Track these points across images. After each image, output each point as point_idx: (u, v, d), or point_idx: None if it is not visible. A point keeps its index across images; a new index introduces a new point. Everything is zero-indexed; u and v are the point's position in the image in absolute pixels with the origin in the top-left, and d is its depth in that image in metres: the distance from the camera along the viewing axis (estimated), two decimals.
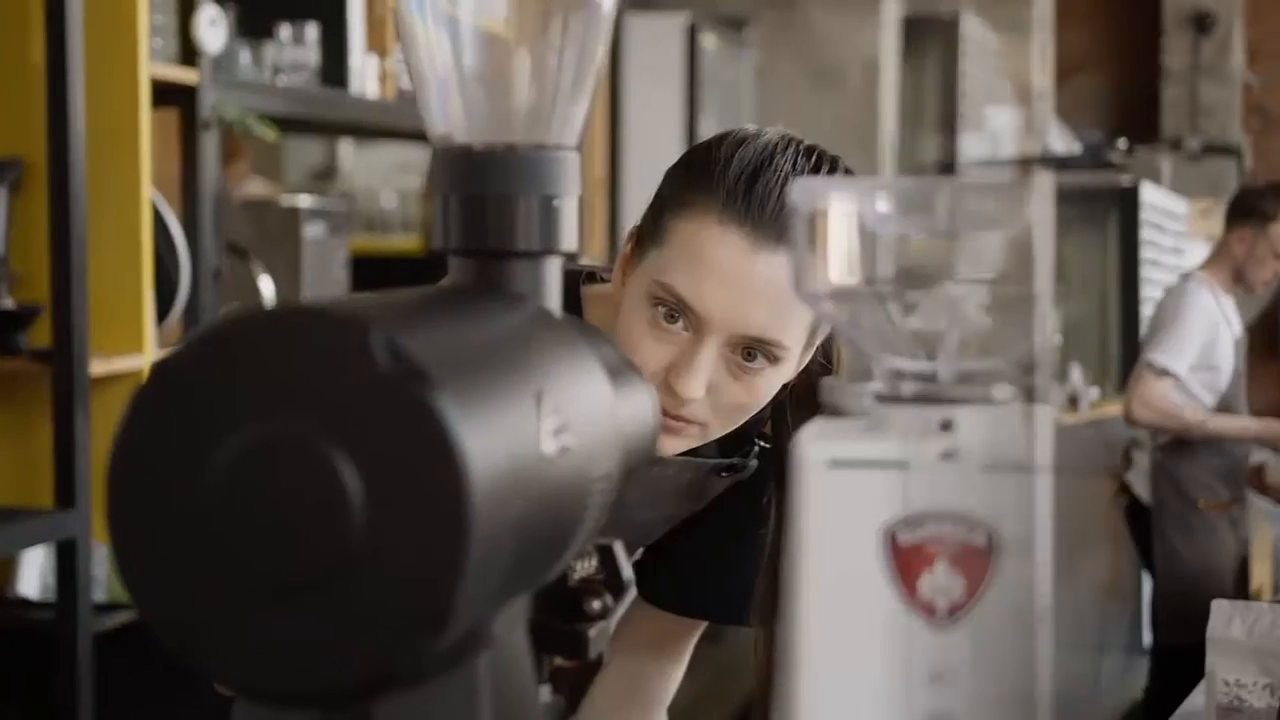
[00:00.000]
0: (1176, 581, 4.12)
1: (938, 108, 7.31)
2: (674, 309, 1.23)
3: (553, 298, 0.82)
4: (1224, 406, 4.17)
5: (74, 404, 2.29)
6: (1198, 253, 8.41)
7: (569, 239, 0.83)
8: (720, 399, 1.24)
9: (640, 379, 0.89)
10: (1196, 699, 2.11)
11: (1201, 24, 9.09)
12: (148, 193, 2.48)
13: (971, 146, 5.29)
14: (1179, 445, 4.21)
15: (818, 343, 1.31)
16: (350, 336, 0.61)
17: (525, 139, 0.83)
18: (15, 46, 2.44)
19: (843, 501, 0.68)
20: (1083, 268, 6.33)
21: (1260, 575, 7.02)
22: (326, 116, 3.06)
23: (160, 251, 2.55)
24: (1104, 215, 6.90)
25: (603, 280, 1.42)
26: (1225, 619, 2.03)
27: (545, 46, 0.84)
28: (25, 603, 2.65)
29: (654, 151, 3.92)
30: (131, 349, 2.47)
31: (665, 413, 1.24)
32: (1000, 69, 8.19)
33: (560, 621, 0.84)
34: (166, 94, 2.62)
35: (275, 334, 0.62)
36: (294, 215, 3.04)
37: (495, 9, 0.84)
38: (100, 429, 2.35)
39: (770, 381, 1.25)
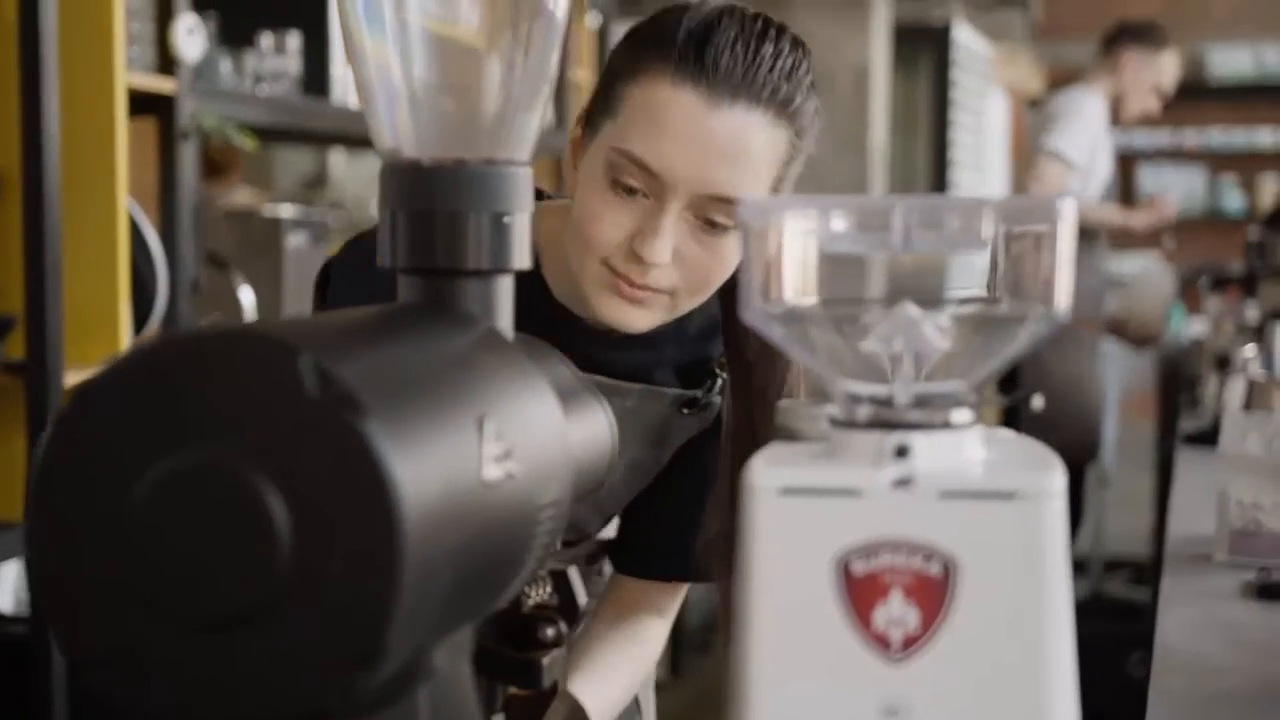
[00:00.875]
0: (1044, 397, 4.05)
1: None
2: (632, 178, 1.22)
3: (504, 317, 0.80)
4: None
5: (48, 417, 2.27)
6: (998, 100, 8.56)
7: (521, 256, 0.81)
8: (687, 265, 1.24)
9: (597, 400, 0.86)
10: (1204, 524, 1.93)
11: None
12: (124, 202, 2.45)
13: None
14: None
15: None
16: (278, 360, 0.59)
17: (475, 154, 0.81)
18: None
19: (795, 530, 0.66)
20: (894, 105, 6.34)
21: None
22: (308, 126, 3.04)
23: (137, 262, 2.52)
24: (915, 53, 6.97)
25: (545, 196, 1.42)
26: (1239, 433, 1.86)
27: (496, 57, 0.82)
28: (0, 617, 2.62)
29: None
30: (107, 360, 2.44)
31: (631, 282, 1.23)
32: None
33: (513, 650, 0.82)
34: (144, 103, 2.59)
35: (202, 357, 0.60)
36: (276, 225, 3.01)
37: (445, 18, 0.82)
38: None
39: (735, 246, 1.24)
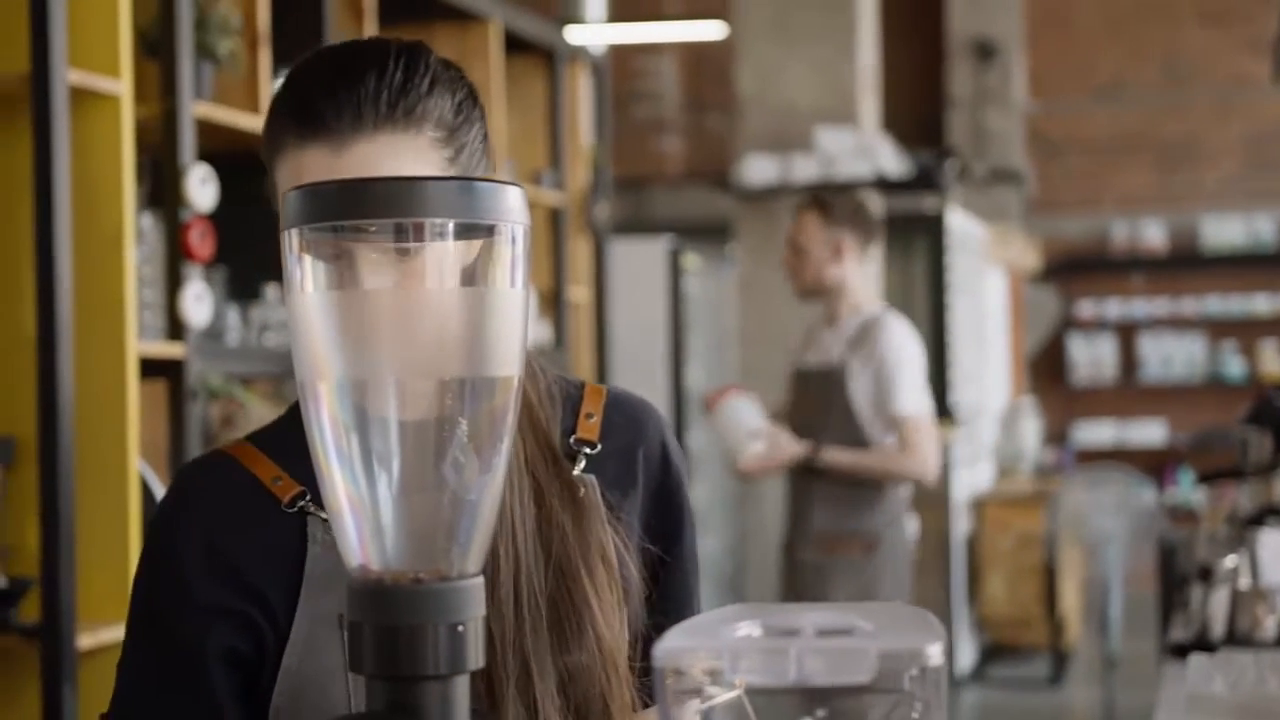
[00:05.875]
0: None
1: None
2: None
3: (459, 713, 0.90)
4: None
5: (62, 681, 2.35)
6: (996, 277, 8.69)
7: (476, 657, 0.91)
8: None
9: None
10: None
11: (984, 52, 9.40)
12: (135, 465, 2.56)
13: (806, 168, 5.26)
14: (796, 479, 4.00)
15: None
16: None
17: (433, 567, 0.92)
18: (7, 324, 2.55)
19: None
20: (891, 294, 6.40)
21: (1068, 604, 7.12)
22: None
23: (148, 520, 2.63)
24: (909, 241, 7.09)
25: None
26: (1206, 674, 1.90)
27: (447, 488, 0.92)
28: None
29: (641, 370, 4.02)
30: (119, 619, 2.52)
31: None
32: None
33: None
34: (154, 367, 2.72)
35: None
36: None
37: (406, 454, 0.92)
38: (88, 704, 2.40)
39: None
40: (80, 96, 2.56)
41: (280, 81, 1.28)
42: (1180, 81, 9.84)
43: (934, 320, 7.43)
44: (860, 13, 5.62)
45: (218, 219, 2.85)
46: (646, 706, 1.27)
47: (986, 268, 8.40)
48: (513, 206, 0.92)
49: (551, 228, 4.42)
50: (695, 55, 9.51)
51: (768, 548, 4.24)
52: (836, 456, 3.88)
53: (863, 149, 5.37)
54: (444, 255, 0.90)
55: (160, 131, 2.80)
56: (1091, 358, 10.07)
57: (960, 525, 7.15)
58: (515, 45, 4.24)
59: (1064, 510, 6.73)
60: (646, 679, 1.26)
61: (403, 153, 1.21)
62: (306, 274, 0.91)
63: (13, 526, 2.51)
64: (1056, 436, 9.84)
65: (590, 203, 4.64)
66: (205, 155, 2.87)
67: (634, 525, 1.33)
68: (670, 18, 7.72)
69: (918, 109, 9.45)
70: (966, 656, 6.88)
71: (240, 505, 1.28)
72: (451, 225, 0.90)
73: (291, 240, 0.90)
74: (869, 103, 5.69)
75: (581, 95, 4.72)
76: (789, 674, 0.78)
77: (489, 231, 0.91)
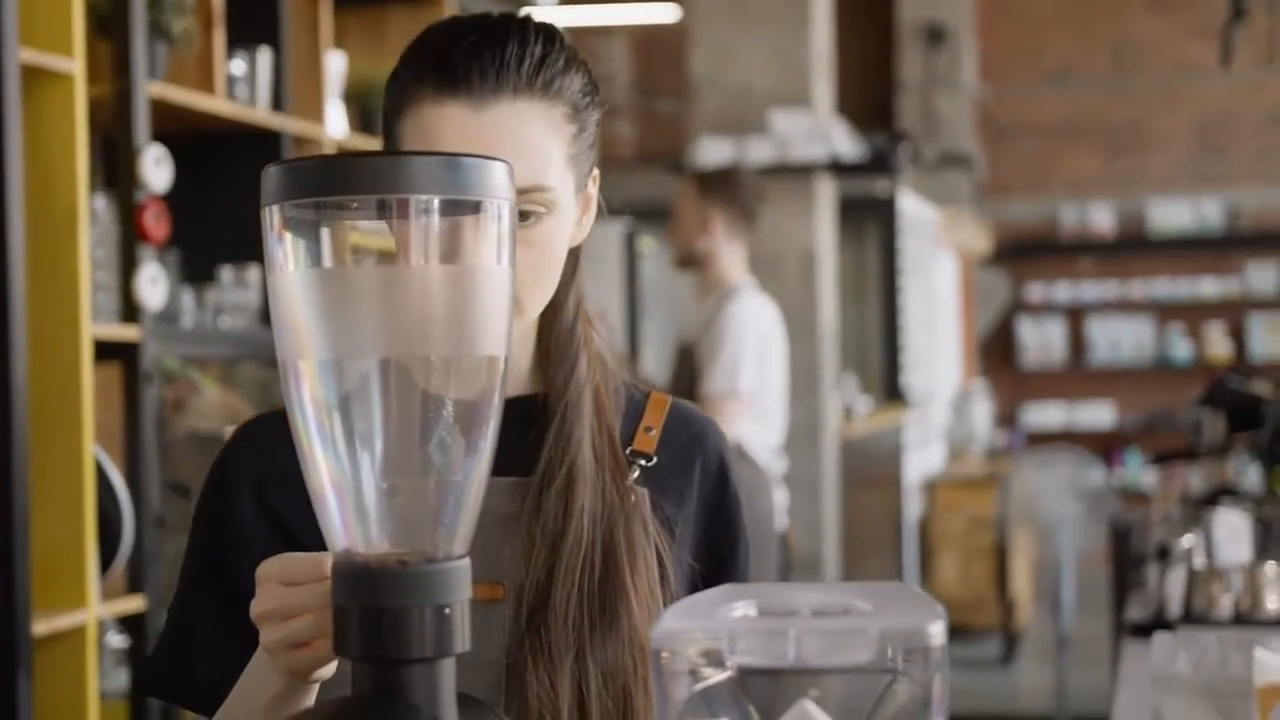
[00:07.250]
0: None
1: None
2: None
3: (446, 696, 0.88)
4: None
5: (17, 668, 2.32)
6: (947, 261, 8.76)
7: (462, 640, 0.89)
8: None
9: None
10: None
11: (934, 36, 9.46)
12: (90, 450, 2.53)
13: (761, 150, 5.29)
14: None
15: (593, 186, 1.31)
16: None
17: (419, 549, 0.90)
18: None
19: None
20: (844, 277, 6.43)
21: (1019, 585, 7.21)
22: (269, 356, 3.13)
23: (103, 504, 2.59)
24: (861, 224, 7.16)
25: None
26: (1169, 653, 1.89)
27: (432, 469, 0.91)
28: None
29: None
30: (75, 605, 2.50)
31: None
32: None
33: None
34: (109, 349, 2.69)
35: None
36: None
37: (387, 426, 0.91)
38: (43, 692, 2.37)
39: (552, 232, 1.24)
40: (32, 75, 2.51)
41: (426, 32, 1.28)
42: (1129, 67, 9.90)
43: (886, 303, 7.47)
44: None
45: (172, 200, 2.82)
46: None
47: (938, 251, 8.45)
48: (499, 183, 0.90)
49: None
50: (646, 38, 9.49)
51: None
52: None
53: (817, 132, 5.36)
54: (428, 232, 0.89)
55: (114, 111, 2.75)
56: (1041, 341, 10.14)
57: (912, 507, 7.18)
58: None
59: (1015, 492, 6.77)
60: None
61: (538, 121, 1.23)
62: (287, 251, 0.89)
63: None
64: (1007, 419, 9.91)
65: None
66: (160, 136, 2.83)
67: (687, 538, 1.33)
68: (624, 0, 7.70)
69: (869, 92, 9.48)
70: None
71: (292, 466, 1.24)
72: (436, 202, 0.88)
73: (272, 217, 0.89)
74: (823, 86, 5.69)
75: None
76: (788, 655, 0.77)
77: (474, 208, 0.90)
